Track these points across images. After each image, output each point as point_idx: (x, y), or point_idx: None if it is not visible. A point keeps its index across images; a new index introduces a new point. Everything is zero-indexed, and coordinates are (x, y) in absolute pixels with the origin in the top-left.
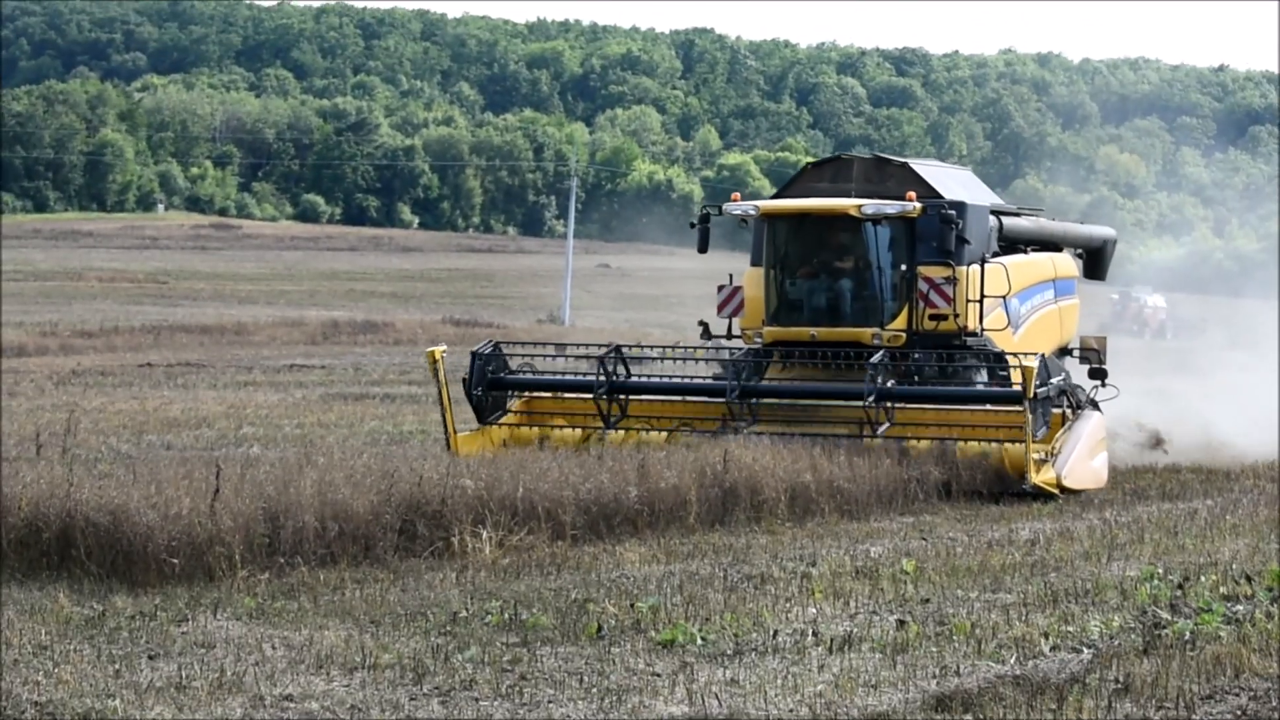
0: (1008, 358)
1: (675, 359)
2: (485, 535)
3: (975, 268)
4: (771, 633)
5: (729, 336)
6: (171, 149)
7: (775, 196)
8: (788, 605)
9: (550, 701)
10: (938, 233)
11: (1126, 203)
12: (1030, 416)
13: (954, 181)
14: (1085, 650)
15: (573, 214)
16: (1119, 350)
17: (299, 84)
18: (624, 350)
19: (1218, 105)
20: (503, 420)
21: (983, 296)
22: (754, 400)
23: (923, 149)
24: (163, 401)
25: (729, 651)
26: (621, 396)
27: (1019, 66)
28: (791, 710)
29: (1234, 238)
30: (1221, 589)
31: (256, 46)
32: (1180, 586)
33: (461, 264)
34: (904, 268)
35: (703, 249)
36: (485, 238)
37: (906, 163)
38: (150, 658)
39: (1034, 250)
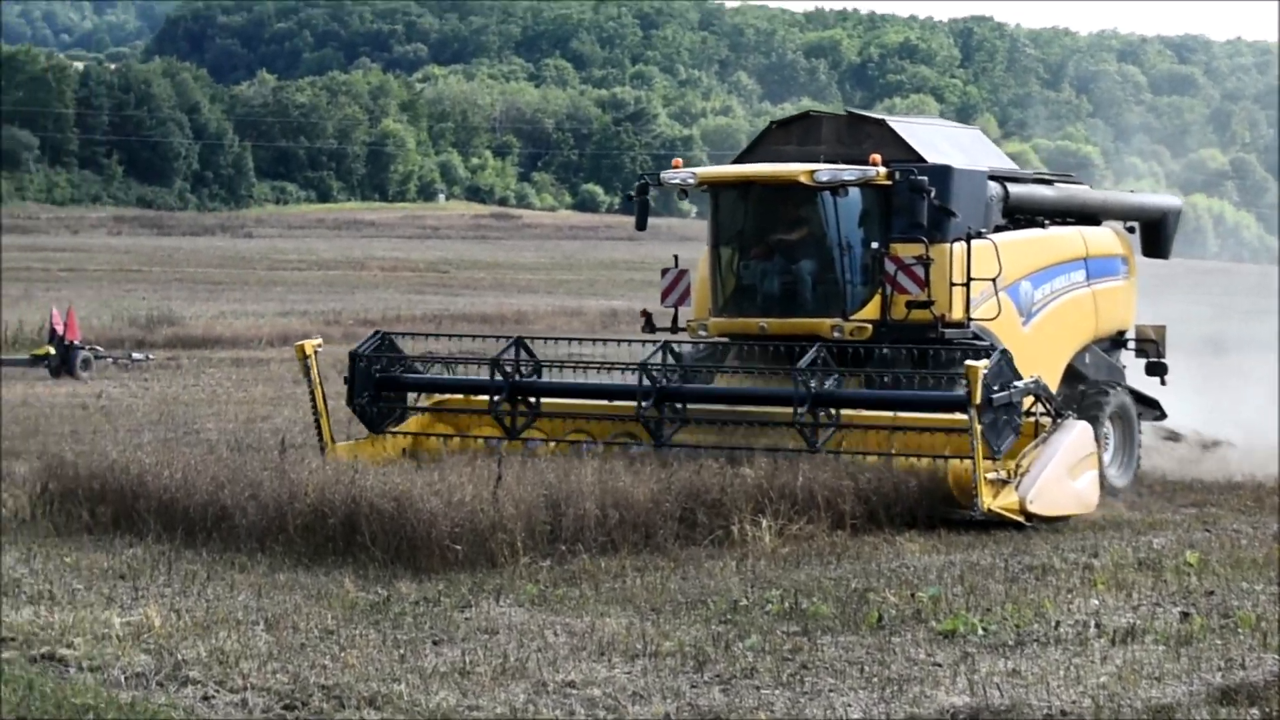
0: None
1: (574, 365)
2: (765, 524)
3: (960, 246)
4: (1053, 624)
5: (674, 329)
6: (452, 139)
7: (735, 162)
8: (1069, 596)
9: (831, 690)
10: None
11: None
12: (979, 426)
13: (946, 142)
14: None
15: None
16: None
17: (578, 74)
18: (527, 343)
19: None
20: (403, 427)
21: (969, 279)
22: (679, 406)
23: (1204, 137)
24: None
25: (1010, 642)
26: (530, 399)
27: None
28: (1074, 702)
29: None
30: None
31: (536, 37)
32: None
33: None
34: (875, 245)
35: (641, 226)
36: None
37: (883, 120)
38: (434, 643)
39: (1062, 224)
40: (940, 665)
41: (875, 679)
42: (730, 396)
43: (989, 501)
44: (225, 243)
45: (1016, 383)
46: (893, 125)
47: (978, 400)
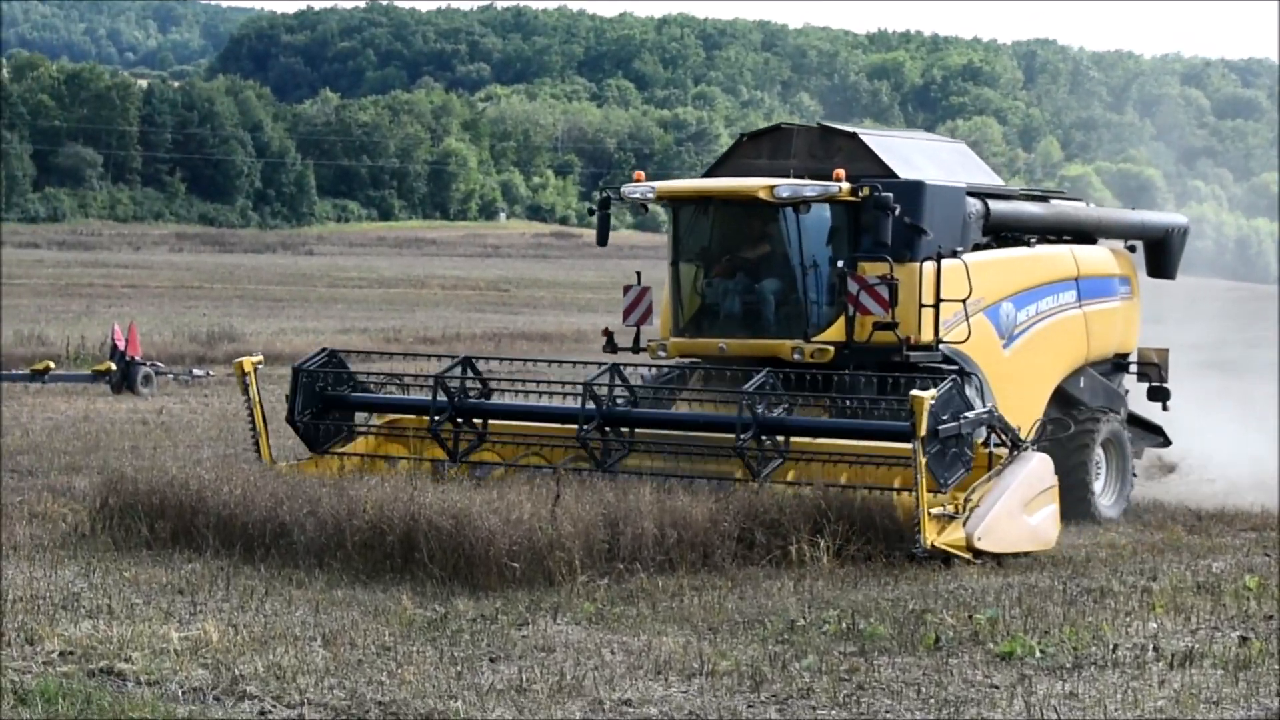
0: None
1: (524, 381)
2: (823, 544)
3: (929, 265)
4: (1111, 647)
5: (635, 350)
6: (513, 158)
7: (706, 175)
8: (1127, 619)
9: (887, 712)
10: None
11: None
12: (922, 459)
13: (922, 157)
14: None
15: None
16: None
17: (640, 94)
18: (474, 363)
19: None
20: (348, 448)
21: (938, 300)
22: (624, 430)
23: (1268, 161)
24: None
25: (1068, 665)
26: (475, 421)
27: None
28: None
29: None
30: None
31: (598, 57)
32: None
33: None
34: (842, 264)
35: (602, 241)
36: None
37: (855, 133)
38: (491, 660)
39: (1055, 242)
40: (997, 687)
41: (932, 700)
42: (675, 422)
43: (932, 537)
44: (286, 260)
45: (967, 413)
46: (865, 139)
47: (922, 431)
